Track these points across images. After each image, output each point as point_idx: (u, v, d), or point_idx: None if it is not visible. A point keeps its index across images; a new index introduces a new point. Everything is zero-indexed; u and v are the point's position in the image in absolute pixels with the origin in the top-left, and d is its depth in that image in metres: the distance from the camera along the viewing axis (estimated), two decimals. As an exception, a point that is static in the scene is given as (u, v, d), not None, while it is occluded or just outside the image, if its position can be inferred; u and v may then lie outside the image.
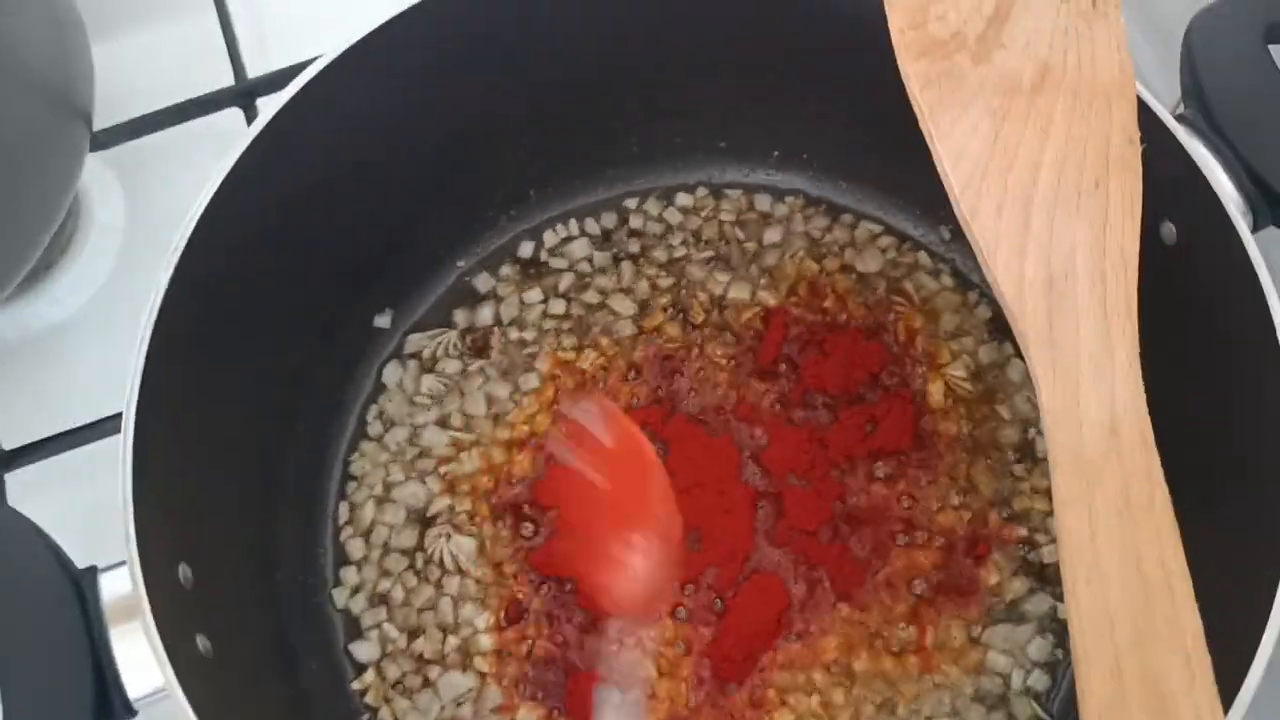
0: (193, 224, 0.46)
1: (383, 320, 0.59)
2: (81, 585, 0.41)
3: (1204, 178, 0.44)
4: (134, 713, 0.41)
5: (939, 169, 0.42)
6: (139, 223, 0.70)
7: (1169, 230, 0.46)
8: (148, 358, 0.43)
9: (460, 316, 0.60)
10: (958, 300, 0.59)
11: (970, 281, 0.60)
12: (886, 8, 0.45)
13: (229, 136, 0.67)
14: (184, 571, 0.43)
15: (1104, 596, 0.35)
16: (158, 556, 0.41)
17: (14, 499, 0.59)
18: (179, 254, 0.46)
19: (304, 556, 0.55)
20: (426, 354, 0.59)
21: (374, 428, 0.58)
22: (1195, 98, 0.46)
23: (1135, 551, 0.36)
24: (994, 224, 0.41)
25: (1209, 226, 0.44)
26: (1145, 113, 0.44)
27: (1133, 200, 0.41)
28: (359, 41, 0.49)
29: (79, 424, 0.58)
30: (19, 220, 0.59)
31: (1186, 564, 0.36)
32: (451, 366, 0.59)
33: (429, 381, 0.59)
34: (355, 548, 0.56)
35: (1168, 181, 0.44)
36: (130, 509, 0.40)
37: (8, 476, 0.59)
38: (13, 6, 0.55)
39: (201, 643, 0.41)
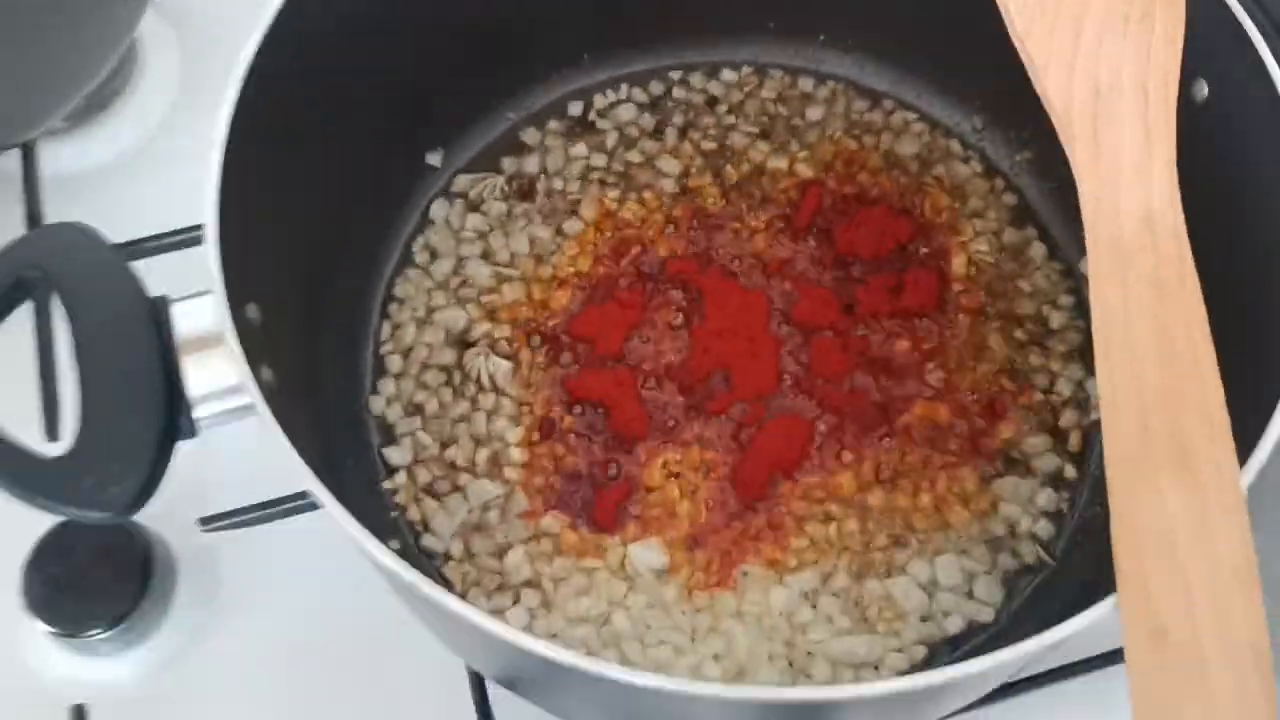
0: (257, 41, 0.47)
1: (434, 158, 0.62)
2: (158, 310, 0.43)
3: (1244, 31, 0.47)
4: (195, 434, 0.43)
5: (996, -3, 0.45)
6: (193, 77, 0.72)
7: (1201, 88, 0.49)
8: (221, 169, 0.45)
9: (508, 164, 0.62)
10: (985, 186, 0.62)
11: (998, 169, 0.63)
12: None
13: None
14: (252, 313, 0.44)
15: (1133, 358, 0.38)
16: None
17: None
18: (246, 65, 0.47)
19: (347, 368, 0.57)
20: (473, 194, 0.62)
21: (420, 257, 0.60)
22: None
23: (1165, 323, 0.38)
24: (1046, 43, 0.43)
25: (1243, 82, 0.47)
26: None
27: (1176, 31, 0.44)
28: None
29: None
30: (82, 44, 0.61)
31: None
32: (497, 208, 0.61)
33: (474, 220, 0.61)
34: (394, 363, 0.58)
35: (1201, 39, 0.47)
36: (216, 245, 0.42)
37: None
38: None
39: (266, 373, 0.43)
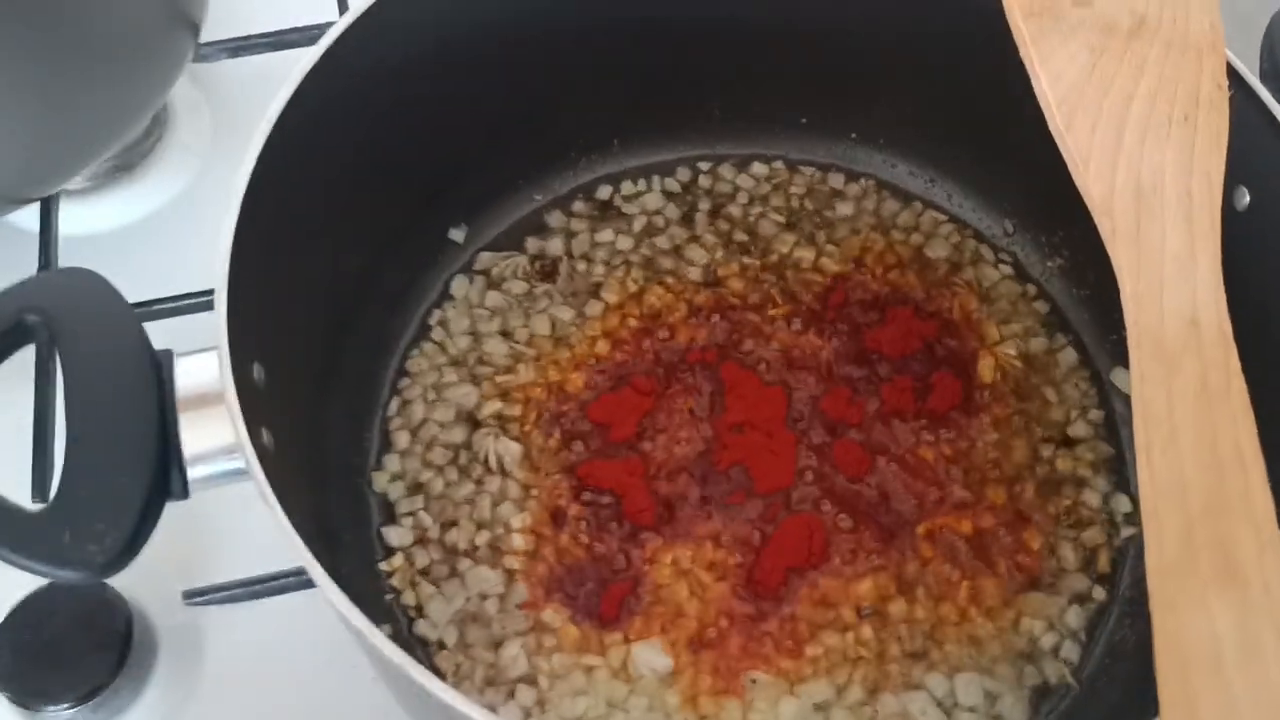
0: (279, 108, 0.47)
1: (457, 234, 0.61)
2: (160, 364, 0.41)
3: (1281, 140, 0.46)
4: (187, 496, 0.41)
5: (1037, 90, 0.44)
6: (221, 146, 0.72)
7: (1242, 195, 0.47)
8: (237, 227, 0.44)
9: (532, 244, 0.61)
10: (1016, 291, 0.61)
11: (1029, 274, 0.61)
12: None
13: None
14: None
15: (1179, 465, 0.36)
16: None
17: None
18: (268, 130, 0.46)
19: (352, 440, 0.55)
20: (495, 272, 0.60)
21: (435, 332, 0.59)
22: (1273, 79, 0.49)
23: (1211, 430, 0.36)
24: (1088, 139, 0.42)
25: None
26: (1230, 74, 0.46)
27: (1220, 135, 0.43)
28: None
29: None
30: (110, 109, 0.61)
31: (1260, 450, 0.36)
32: (518, 287, 0.60)
33: (494, 297, 0.60)
34: (401, 439, 0.56)
35: (1244, 148, 0.46)
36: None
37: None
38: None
39: (266, 436, 0.41)
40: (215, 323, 0.41)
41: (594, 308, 0.59)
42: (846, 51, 0.60)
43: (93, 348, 0.40)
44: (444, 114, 0.55)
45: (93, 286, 0.42)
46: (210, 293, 0.58)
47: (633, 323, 0.59)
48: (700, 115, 0.64)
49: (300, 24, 0.70)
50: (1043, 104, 0.43)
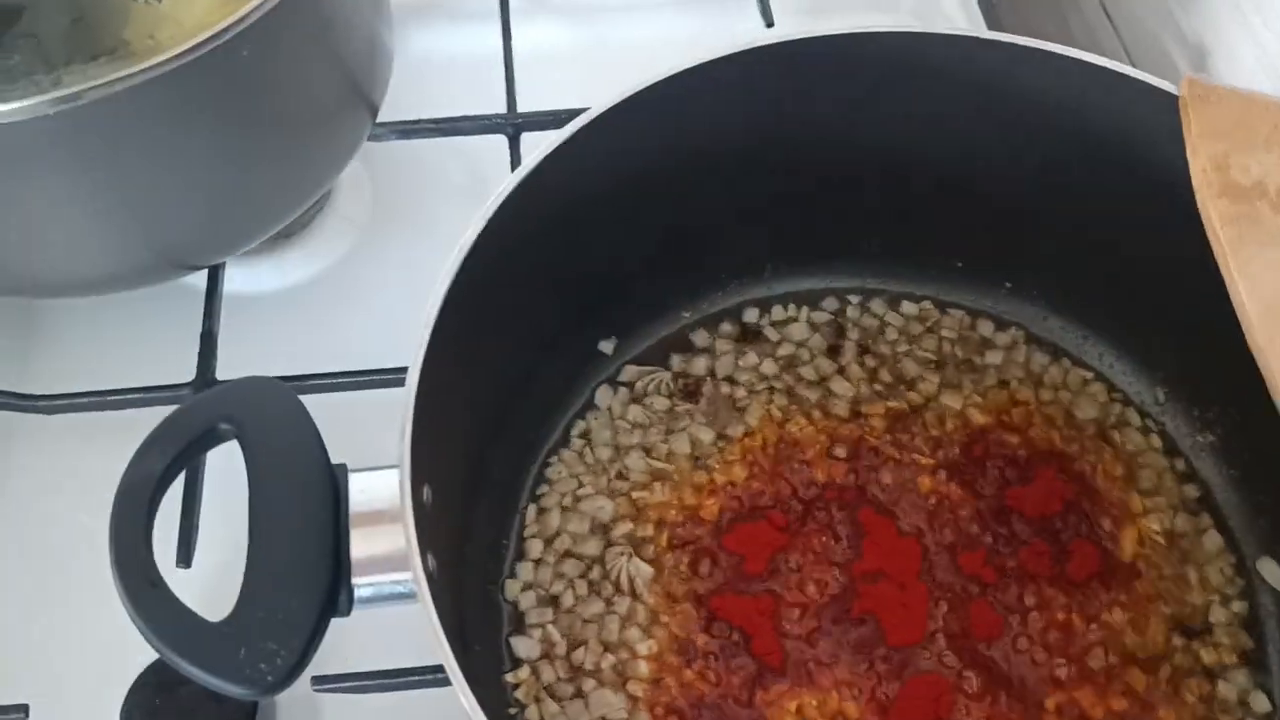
0: (473, 237, 0.48)
1: (606, 346, 0.62)
2: (336, 478, 0.42)
3: None
4: (349, 613, 0.42)
5: (1234, 299, 0.43)
6: (379, 220, 0.74)
7: None
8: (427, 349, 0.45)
9: (677, 361, 0.62)
10: (1163, 463, 0.60)
11: (1178, 447, 0.60)
12: (1189, 152, 0.48)
13: (479, 158, 0.73)
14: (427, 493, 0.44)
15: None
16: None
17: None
18: (463, 255, 0.48)
19: (488, 546, 0.56)
20: (639, 386, 0.61)
21: (576, 442, 0.60)
22: None
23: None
24: (1286, 359, 0.42)
25: None
26: None
27: None
28: (631, 96, 0.53)
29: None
30: (293, 182, 0.64)
31: None
32: (660, 403, 0.61)
33: (636, 411, 0.60)
34: (534, 547, 0.56)
35: None
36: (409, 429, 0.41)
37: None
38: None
39: (430, 560, 0.42)
40: (400, 444, 0.42)
41: (735, 430, 0.60)
42: (1010, 200, 0.60)
43: (275, 458, 0.42)
44: (615, 234, 0.56)
45: (278, 396, 0.43)
46: (363, 373, 0.61)
47: (772, 451, 0.59)
48: (855, 249, 0.64)
49: (469, 113, 0.72)
50: (1239, 314, 0.43)
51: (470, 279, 0.47)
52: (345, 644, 0.56)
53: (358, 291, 0.71)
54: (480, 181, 0.74)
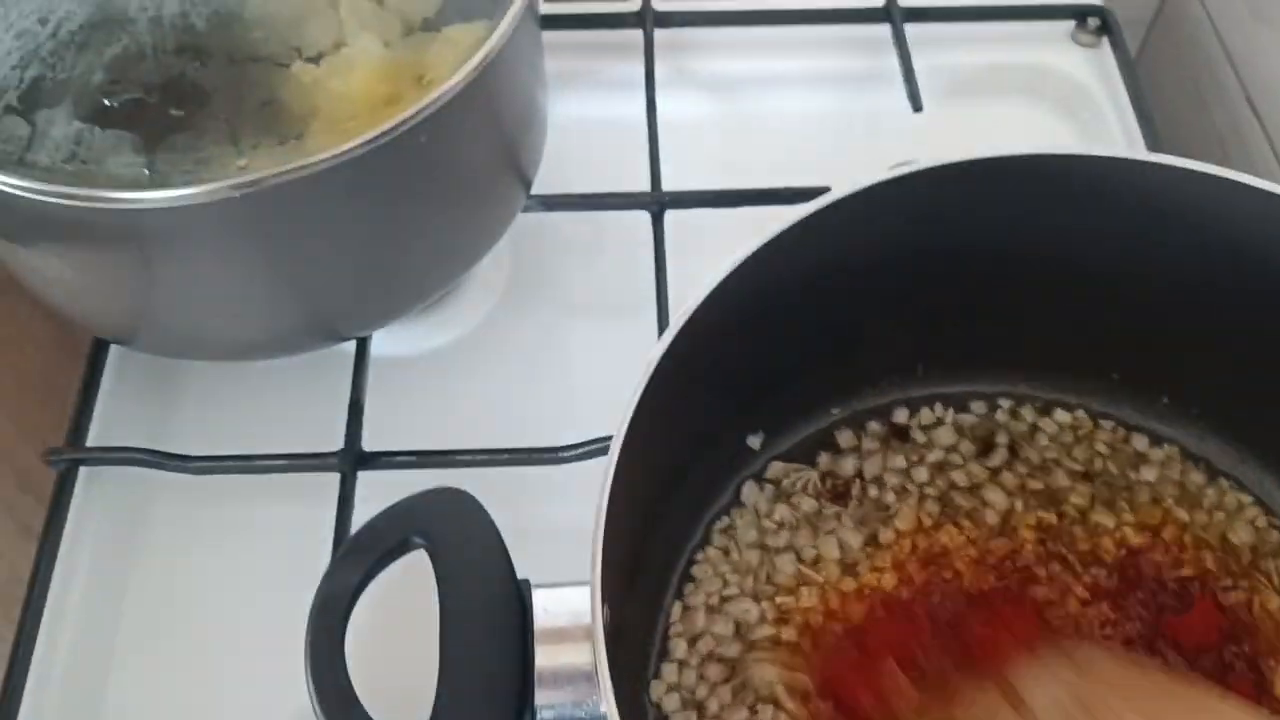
0: (671, 336, 0.49)
1: (754, 441, 0.61)
2: (523, 595, 0.42)
3: None
4: (535, 733, 0.42)
5: None
6: (518, 287, 0.75)
7: None
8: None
9: (824, 460, 0.62)
10: (1322, 599, 0.58)
11: (1340, 583, 0.59)
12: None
13: (621, 234, 0.73)
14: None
15: None
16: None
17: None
18: (653, 364, 0.47)
19: (636, 646, 0.55)
20: (785, 483, 0.61)
21: (720, 539, 0.59)
22: None
23: None
24: None
25: None
26: None
27: None
28: (826, 207, 0.52)
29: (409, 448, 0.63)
30: (450, 257, 0.65)
31: None
32: (807, 504, 0.60)
33: (783, 510, 0.60)
34: (679, 647, 0.56)
35: None
36: (600, 544, 0.41)
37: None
38: (516, 67, 0.61)
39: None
40: (591, 567, 0.41)
41: (885, 535, 0.59)
42: (1169, 315, 0.59)
43: (465, 574, 0.42)
44: (778, 331, 0.56)
45: (466, 508, 0.43)
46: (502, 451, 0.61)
47: (922, 558, 0.58)
48: (1008, 353, 0.63)
49: (613, 188, 0.73)
50: None
51: (661, 376, 0.47)
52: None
53: (496, 361, 0.71)
54: (619, 254, 0.74)
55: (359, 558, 0.41)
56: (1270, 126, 0.83)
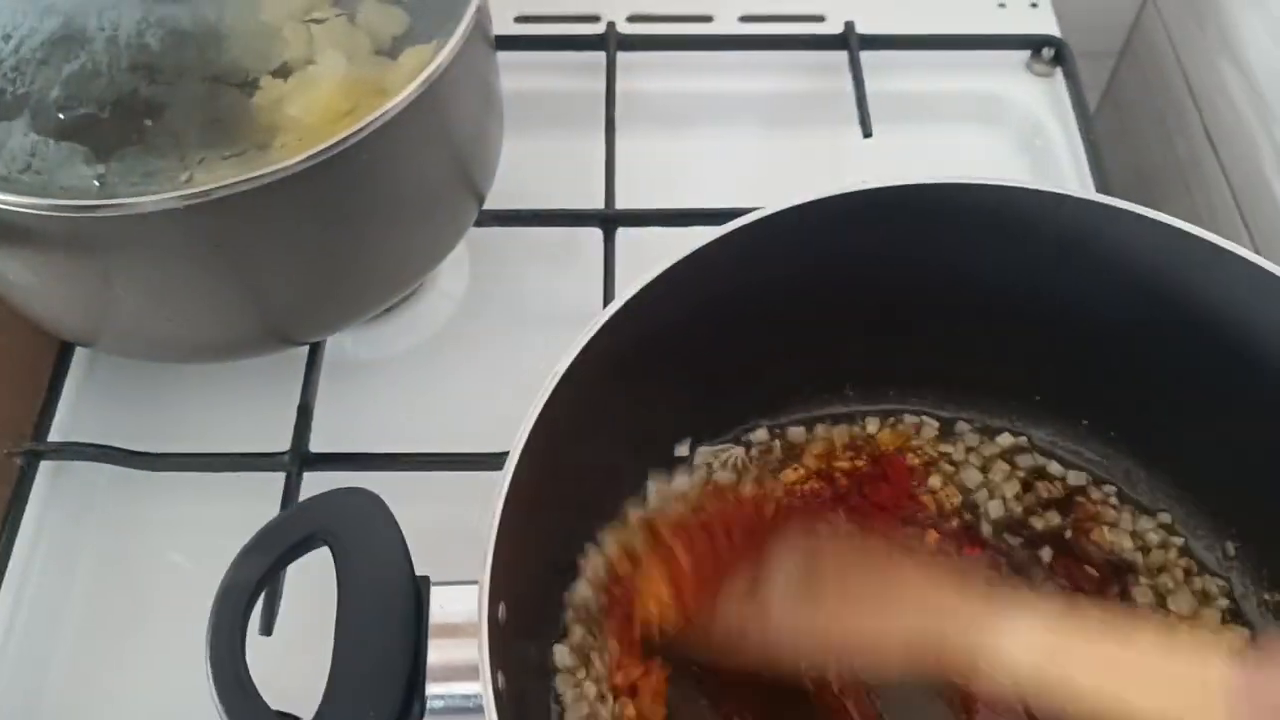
0: (570, 360, 0.51)
1: (682, 449, 0.63)
2: (421, 591, 0.45)
3: None
4: (420, 720, 0.44)
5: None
6: (476, 296, 0.77)
7: None
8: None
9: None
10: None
11: (1243, 616, 0.60)
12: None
13: (576, 249, 0.76)
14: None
15: None
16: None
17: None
18: (557, 378, 0.51)
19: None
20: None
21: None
22: None
23: None
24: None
25: None
26: None
27: None
28: (752, 223, 0.55)
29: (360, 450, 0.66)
30: (400, 268, 0.67)
31: None
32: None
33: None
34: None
35: None
36: (493, 540, 0.44)
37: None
38: (463, 85, 0.63)
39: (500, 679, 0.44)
40: (482, 560, 0.44)
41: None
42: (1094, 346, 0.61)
43: (364, 567, 0.44)
44: (701, 346, 0.58)
45: (370, 507, 0.46)
46: (446, 456, 0.64)
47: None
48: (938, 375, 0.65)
49: (566, 206, 0.75)
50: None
51: (569, 386, 0.49)
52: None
53: (451, 367, 0.74)
54: (574, 267, 0.77)
55: (262, 553, 0.43)
56: (1225, 160, 0.84)
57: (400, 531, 0.46)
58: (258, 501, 0.65)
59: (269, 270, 0.60)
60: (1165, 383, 0.59)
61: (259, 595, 0.43)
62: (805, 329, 0.61)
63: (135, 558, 0.66)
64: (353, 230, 0.62)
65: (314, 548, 0.45)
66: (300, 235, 0.60)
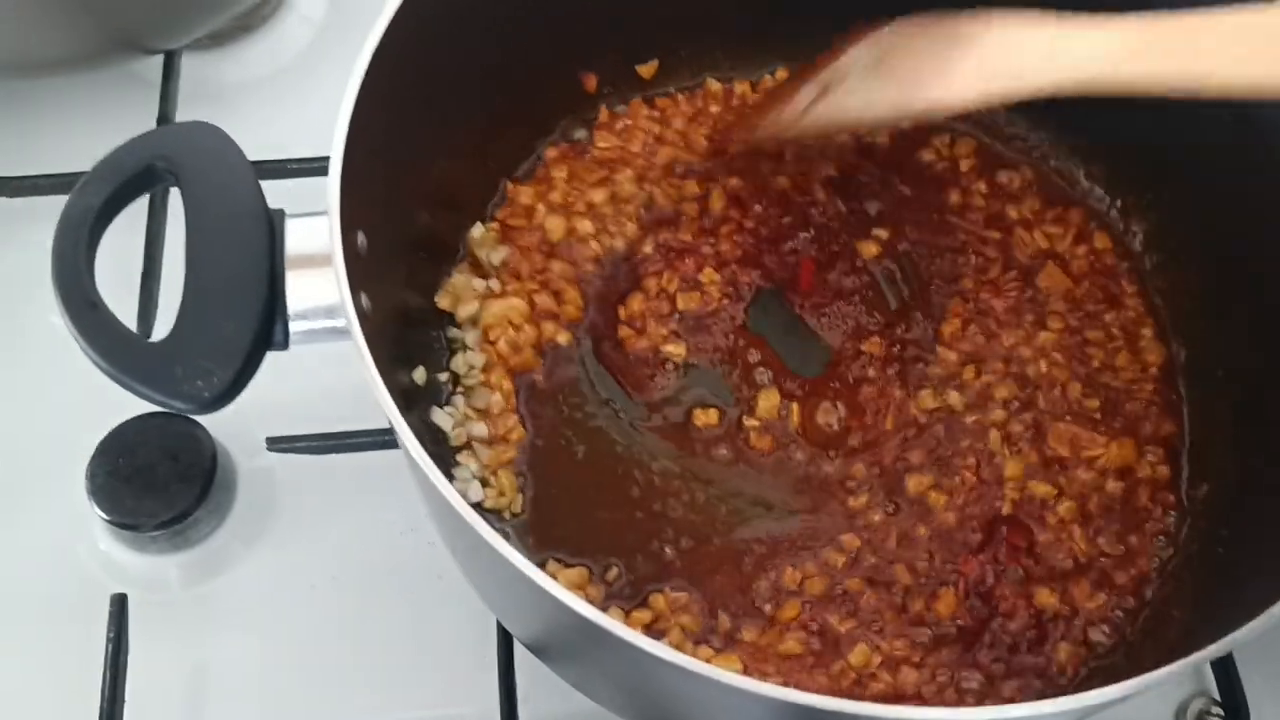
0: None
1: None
2: (274, 221, 0.44)
3: None
4: (287, 347, 0.44)
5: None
6: (335, 20, 0.74)
7: None
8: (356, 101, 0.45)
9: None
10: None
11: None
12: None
13: None
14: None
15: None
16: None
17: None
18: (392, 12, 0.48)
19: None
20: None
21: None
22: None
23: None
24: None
25: None
26: None
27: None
28: None
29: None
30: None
31: None
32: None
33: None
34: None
35: None
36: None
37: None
38: None
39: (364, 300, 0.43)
40: (329, 190, 0.43)
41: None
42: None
43: (214, 199, 0.43)
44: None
45: (217, 141, 0.44)
46: (315, 159, 0.62)
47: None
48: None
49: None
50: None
51: (403, 41, 0.47)
52: (301, 412, 0.59)
53: (314, 90, 0.71)
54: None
55: (101, 180, 0.42)
56: None
57: (250, 165, 0.44)
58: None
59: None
60: None
61: (104, 224, 0.42)
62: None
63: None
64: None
65: (160, 179, 0.43)
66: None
